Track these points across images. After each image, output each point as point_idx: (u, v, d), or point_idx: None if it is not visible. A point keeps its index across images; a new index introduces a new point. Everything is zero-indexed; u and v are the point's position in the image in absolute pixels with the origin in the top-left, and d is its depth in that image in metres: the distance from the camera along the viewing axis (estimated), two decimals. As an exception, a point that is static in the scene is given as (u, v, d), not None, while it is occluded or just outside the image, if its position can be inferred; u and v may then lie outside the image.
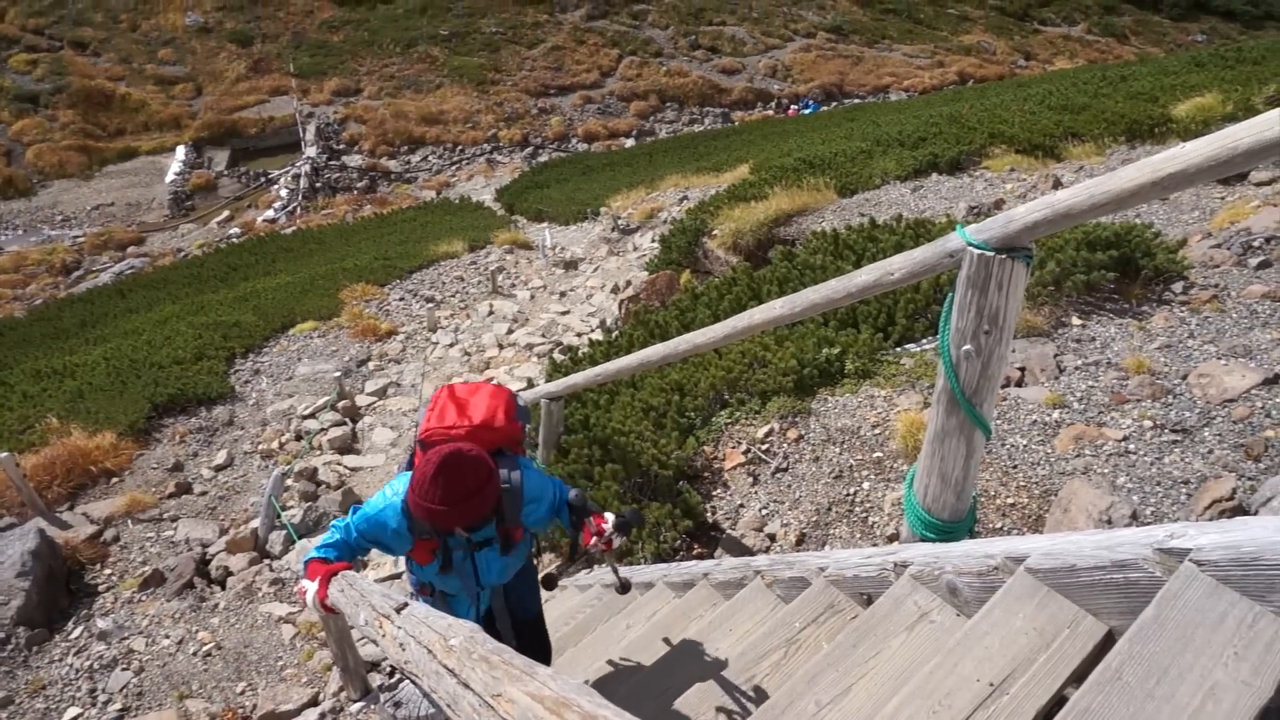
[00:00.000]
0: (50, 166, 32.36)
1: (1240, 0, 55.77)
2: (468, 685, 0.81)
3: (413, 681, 1.22)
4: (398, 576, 6.32)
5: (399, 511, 2.62)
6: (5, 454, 7.09)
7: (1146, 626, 1.62)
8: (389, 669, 5.11)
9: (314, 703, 5.02)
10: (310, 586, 2.67)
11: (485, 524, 2.58)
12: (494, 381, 10.89)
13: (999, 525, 3.91)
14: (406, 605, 1.24)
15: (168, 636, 5.91)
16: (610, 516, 2.81)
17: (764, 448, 5.11)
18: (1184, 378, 4.50)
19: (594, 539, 2.74)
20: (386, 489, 2.72)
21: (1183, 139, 10.19)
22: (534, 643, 3.29)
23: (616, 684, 3.08)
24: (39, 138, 33.43)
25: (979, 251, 2.09)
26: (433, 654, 0.96)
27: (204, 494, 8.02)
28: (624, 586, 2.97)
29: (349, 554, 2.80)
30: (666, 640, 3.33)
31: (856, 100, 39.98)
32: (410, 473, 2.60)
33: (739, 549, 4.45)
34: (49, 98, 35.66)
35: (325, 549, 2.76)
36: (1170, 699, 1.51)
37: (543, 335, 11.98)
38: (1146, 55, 41.41)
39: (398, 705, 1.47)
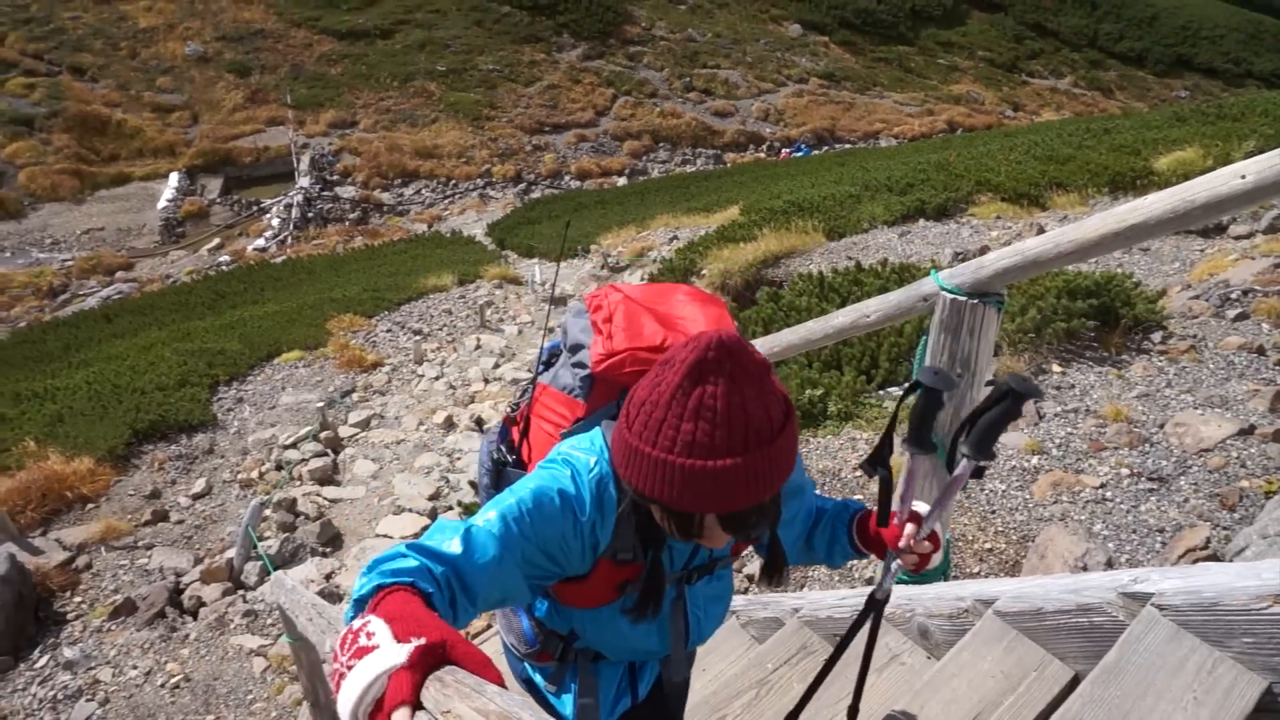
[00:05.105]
0: (42, 189, 32.30)
1: (1222, 58, 57.20)
2: (420, 705, 0.86)
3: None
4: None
5: (607, 478, 1.32)
6: (-20, 477, 7.03)
7: (1108, 670, 1.63)
8: None
9: (282, 738, 4.93)
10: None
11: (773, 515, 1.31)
12: (482, 409, 10.76)
13: (976, 570, 3.91)
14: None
15: (135, 667, 5.80)
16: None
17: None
18: (1161, 426, 4.55)
19: (905, 538, 1.61)
20: (559, 453, 1.37)
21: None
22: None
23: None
24: (32, 160, 33.40)
25: (952, 296, 2.13)
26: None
27: (180, 522, 7.92)
28: None
29: (464, 596, 1.20)
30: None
31: (847, 145, 40.59)
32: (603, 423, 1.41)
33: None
34: (44, 121, 35.71)
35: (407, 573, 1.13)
36: (1131, 745, 1.52)
37: (529, 371, 11.98)
38: (1131, 109, 42.31)
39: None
